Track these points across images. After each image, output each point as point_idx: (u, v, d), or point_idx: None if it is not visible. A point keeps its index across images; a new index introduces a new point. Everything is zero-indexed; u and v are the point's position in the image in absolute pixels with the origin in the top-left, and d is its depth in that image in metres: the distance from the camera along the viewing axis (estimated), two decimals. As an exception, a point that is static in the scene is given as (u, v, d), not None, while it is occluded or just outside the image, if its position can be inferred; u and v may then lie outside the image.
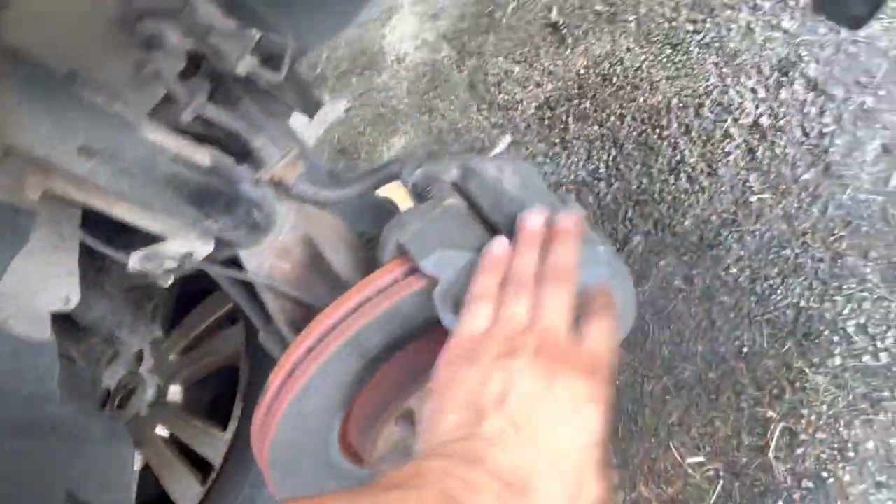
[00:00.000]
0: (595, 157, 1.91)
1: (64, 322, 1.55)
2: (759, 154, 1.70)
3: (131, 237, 0.94)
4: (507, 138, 0.94)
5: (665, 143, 1.83)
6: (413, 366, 0.81)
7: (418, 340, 0.79)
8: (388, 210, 1.02)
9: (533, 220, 0.70)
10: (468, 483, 0.50)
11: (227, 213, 0.87)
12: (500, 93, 2.18)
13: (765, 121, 1.73)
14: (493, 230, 0.75)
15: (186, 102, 0.83)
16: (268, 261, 0.93)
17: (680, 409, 1.57)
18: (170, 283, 0.98)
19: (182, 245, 0.91)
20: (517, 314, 0.63)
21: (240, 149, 0.94)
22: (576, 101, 2.02)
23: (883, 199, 1.53)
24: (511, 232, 0.72)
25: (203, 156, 0.83)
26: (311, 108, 1.47)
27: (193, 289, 1.69)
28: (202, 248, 0.92)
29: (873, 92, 1.63)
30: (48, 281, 1.16)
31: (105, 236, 1.13)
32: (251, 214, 0.88)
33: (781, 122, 1.70)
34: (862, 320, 1.46)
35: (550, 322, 0.61)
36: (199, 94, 0.83)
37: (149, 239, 0.93)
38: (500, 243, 0.70)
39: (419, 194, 0.81)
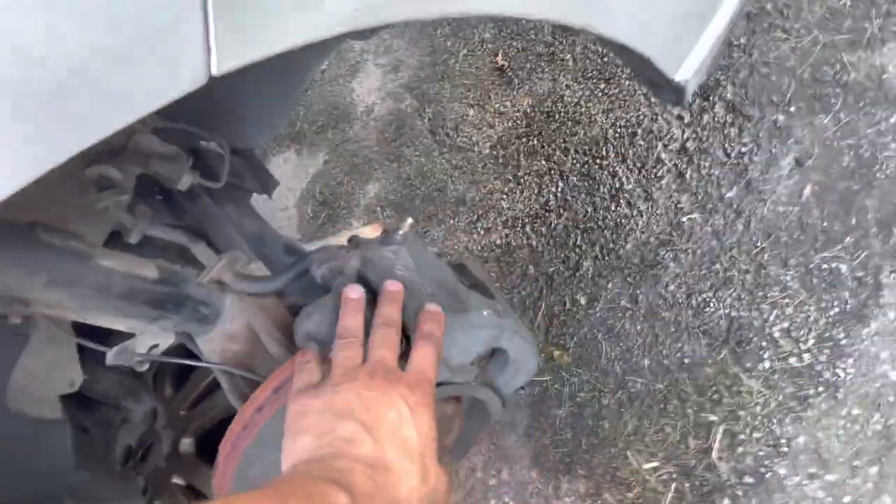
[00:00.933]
0: (545, 191, 2.07)
1: (76, 398, 1.75)
2: (687, 176, 1.84)
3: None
4: (409, 220, 1.10)
5: (605, 172, 1.98)
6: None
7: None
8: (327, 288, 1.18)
9: (348, 292, 0.85)
10: (338, 469, 0.61)
11: (178, 312, 1.04)
12: (458, 136, 2.35)
13: (691, 145, 1.86)
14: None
15: (133, 227, 1.01)
16: (219, 345, 1.10)
17: (634, 420, 1.71)
18: (146, 367, 1.17)
19: (148, 339, 1.10)
20: (349, 356, 0.73)
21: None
22: (525, 139, 2.18)
23: (798, 209, 1.66)
24: None
25: (150, 269, 1.01)
26: (269, 188, 1.66)
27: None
28: (165, 340, 1.11)
29: (785, 109, 1.75)
30: (53, 370, 1.38)
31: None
32: (198, 310, 1.06)
33: (705, 145, 1.84)
34: (786, 325, 1.59)
35: (380, 356, 0.74)
36: (143, 219, 1.01)
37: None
38: None
39: (325, 286, 0.98)
